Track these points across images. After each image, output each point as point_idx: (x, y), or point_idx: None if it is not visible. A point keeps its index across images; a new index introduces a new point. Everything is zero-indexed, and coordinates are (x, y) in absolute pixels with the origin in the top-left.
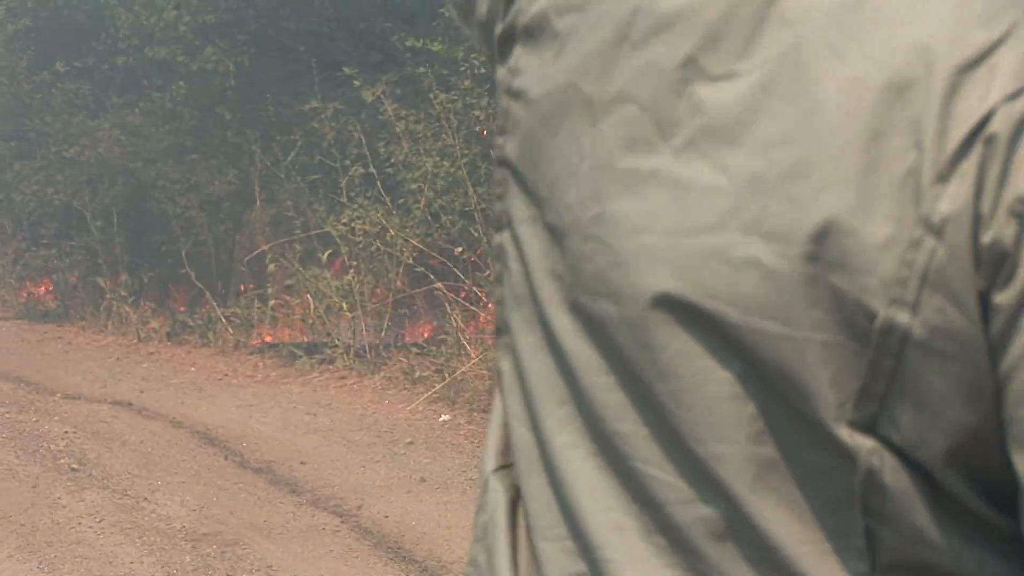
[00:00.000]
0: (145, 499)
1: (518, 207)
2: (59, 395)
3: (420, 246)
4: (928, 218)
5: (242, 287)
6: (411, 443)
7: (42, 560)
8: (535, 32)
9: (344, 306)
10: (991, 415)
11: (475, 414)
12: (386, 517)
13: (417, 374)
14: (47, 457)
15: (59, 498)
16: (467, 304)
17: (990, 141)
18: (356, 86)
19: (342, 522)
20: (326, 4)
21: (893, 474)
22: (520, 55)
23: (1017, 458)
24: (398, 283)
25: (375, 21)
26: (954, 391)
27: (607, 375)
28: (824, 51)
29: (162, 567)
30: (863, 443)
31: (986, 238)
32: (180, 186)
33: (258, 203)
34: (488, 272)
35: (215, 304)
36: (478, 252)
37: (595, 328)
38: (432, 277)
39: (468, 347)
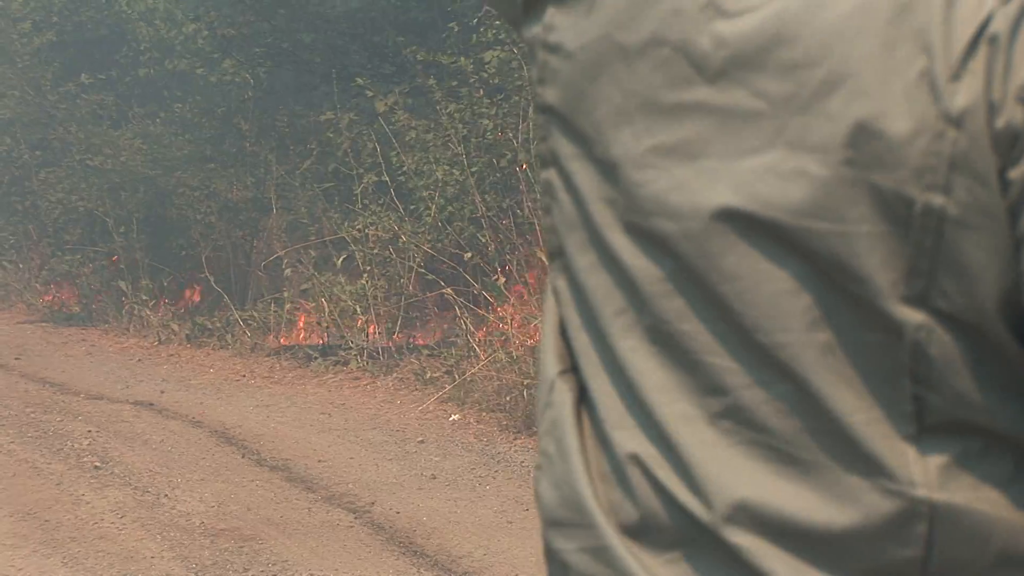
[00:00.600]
0: (165, 496)
1: (563, 146)
2: (83, 395)
3: (431, 251)
4: (948, 112)
5: (259, 291)
6: (422, 442)
7: (65, 555)
8: None
9: (358, 309)
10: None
11: (484, 414)
12: (398, 513)
13: (428, 375)
14: (71, 455)
15: (82, 495)
16: (476, 308)
17: (993, 40)
18: (369, 96)
19: (356, 518)
20: (340, 18)
21: (938, 346)
22: (553, 14)
23: None
24: (410, 287)
25: (387, 35)
26: (989, 258)
27: (665, 283)
28: None
29: (181, 562)
30: (913, 317)
31: (999, 123)
32: (199, 193)
33: (274, 210)
34: (496, 276)
35: (233, 307)
36: (486, 257)
37: (654, 244)
38: (442, 282)
39: (477, 349)
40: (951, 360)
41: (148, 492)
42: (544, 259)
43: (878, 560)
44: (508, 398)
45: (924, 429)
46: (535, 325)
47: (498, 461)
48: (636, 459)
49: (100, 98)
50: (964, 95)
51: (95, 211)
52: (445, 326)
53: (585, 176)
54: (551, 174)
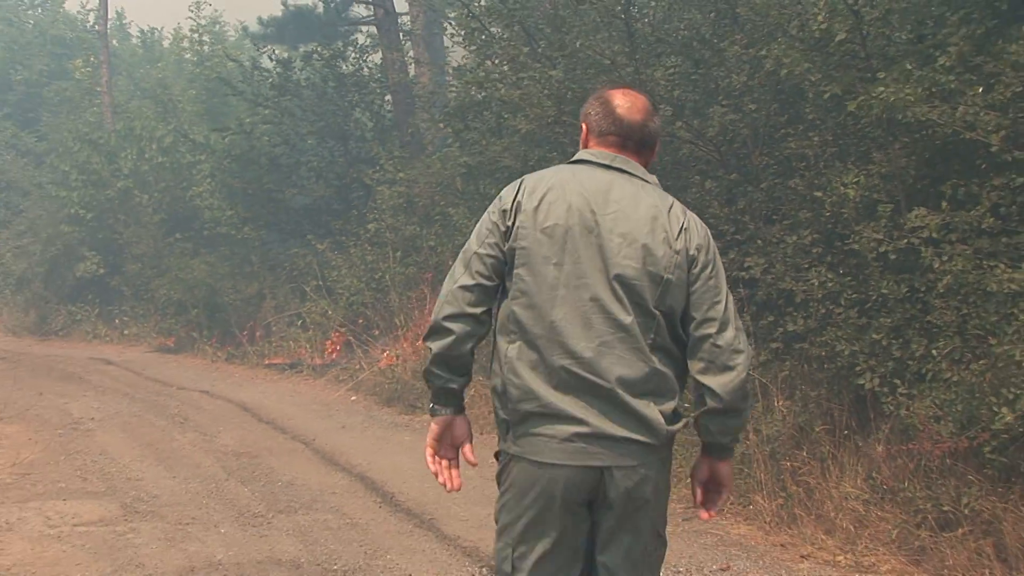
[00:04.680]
0: (215, 436)
1: (532, 259)
2: (175, 387)
3: (343, 320)
4: (675, 248)
5: (259, 338)
6: (338, 409)
7: (166, 465)
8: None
9: (308, 347)
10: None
11: (369, 396)
12: (326, 444)
13: (341, 378)
14: (169, 417)
15: (174, 436)
16: (365, 346)
17: (687, 229)
18: (313, 243)
19: (305, 447)
20: (299, 208)
21: (662, 322)
22: (519, 215)
23: (689, 312)
24: (334, 336)
25: (322, 215)
26: (680, 293)
27: (580, 289)
28: (631, 207)
29: (222, 467)
30: (658, 312)
31: (690, 252)
32: (231, 291)
33: (267, 299)
34: (375, 330)
35: (247, 345)
36: (370, 323)
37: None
38: (350, 336)
39: (365, 366)
40: (663, 326)
41: (207, 435)
42: (398, 323)
43: (646, 387)
44: (381, 389)
45: (652, 348)
46: (392, 354)
47: (375, 420)
48: (563, 366)
49: (186, 246)
50: (679, 244)
51: (182, 300)
52: (350, 354)
53: (548, 266)
54: (520, 271)
